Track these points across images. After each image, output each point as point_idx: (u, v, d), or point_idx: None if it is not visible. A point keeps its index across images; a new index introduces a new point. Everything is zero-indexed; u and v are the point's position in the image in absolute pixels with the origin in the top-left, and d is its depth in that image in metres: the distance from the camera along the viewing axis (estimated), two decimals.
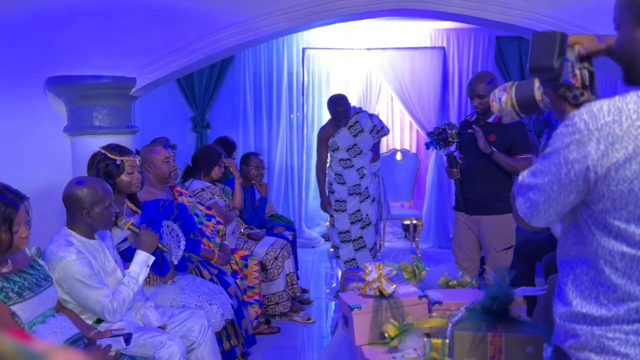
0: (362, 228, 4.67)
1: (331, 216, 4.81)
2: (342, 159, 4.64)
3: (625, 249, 1.18)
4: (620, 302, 1.19)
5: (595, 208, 1.20)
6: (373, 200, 4.72)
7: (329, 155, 4.77)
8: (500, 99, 1.60)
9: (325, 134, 4.70)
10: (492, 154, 3.40)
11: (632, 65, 1.24)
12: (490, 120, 3.51)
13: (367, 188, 4.67)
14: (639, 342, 1.18)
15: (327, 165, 4.79)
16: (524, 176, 1.31)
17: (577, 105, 1.33)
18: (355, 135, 4.61)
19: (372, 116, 4.76)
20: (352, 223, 4.66)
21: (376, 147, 4.80)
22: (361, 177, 4.65)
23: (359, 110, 4.73)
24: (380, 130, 4.71)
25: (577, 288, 1.26)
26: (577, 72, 1.32)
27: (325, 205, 4.77)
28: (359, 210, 4.66)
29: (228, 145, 5.02)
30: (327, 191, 4.74)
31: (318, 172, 4.82)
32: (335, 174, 4.69)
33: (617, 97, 1.17)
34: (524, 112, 1.59)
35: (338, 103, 4.57)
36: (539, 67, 1.30)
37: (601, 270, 1.21)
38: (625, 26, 1.24)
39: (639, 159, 1.13)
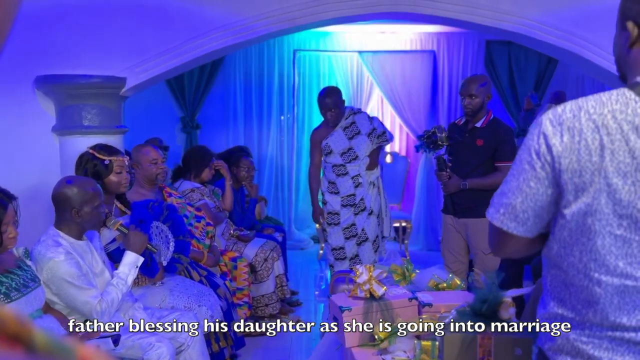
0: (359, 245, 4.19)
1: (324, 230, 4.33)
2: (335, 165, 4.14)
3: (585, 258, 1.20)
4: (588, 305, 1.21)
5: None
6: (370, 214, 4.19)
7: (322, 160, 4.23)
8: None
9: (318, 135, 4.19)
10: (466, 187, 3.46)
11: (619, 66, 1.27)
12: (477, 125, 3.54)
13: (362, 199, 4.13)
14: (612, 347, 1.20)
15: (321, 172, 4.29)
16: (498, 189, 1.32)
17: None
18: (350, 138, 4.11)
19: (372, 119, 4.26)
20: (346, 238, 4.16)
21: (376, 153, 4.24)
22: (356, 186, 4.13)
23: (357, 111, 4.26)
24: (381, 135, 4.19)
25: (553, 289, 1.28)
26: None
27: (317, 216, 4.27)
28: (353, 224, 4.15)
29: (246, 153, 4.86)
30: (319, 201, 4.28)
31: (310, 179, 4.30)
32: (329, 182, 4.19)
33: (580, 98, 1.22)
34: None
35: (327, 93, 4.04)
36: None
37: (566, 272, 1.24)
38: (616, 29, 1.27)
39: (602, 152, 1.15)
